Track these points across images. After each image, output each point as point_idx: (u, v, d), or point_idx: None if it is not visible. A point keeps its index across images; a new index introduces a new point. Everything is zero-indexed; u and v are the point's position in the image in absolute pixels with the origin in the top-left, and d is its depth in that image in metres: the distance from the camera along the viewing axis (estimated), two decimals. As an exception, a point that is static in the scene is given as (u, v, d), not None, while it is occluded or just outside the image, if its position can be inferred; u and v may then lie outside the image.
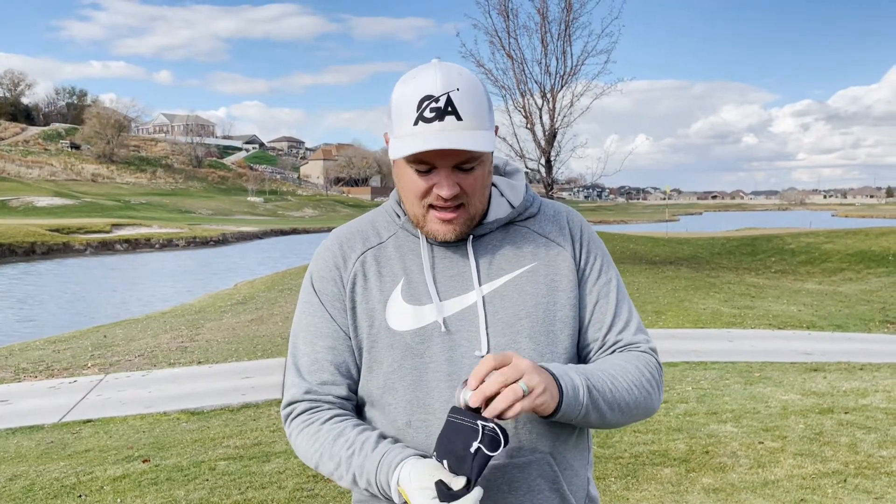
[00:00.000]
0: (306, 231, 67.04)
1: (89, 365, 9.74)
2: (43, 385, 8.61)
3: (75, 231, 43.84)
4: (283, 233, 63.04)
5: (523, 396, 1.11)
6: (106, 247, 42.86)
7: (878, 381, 7.01)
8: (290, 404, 1.35)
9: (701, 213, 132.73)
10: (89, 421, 6.91)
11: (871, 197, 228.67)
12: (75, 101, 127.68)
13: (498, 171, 1.41)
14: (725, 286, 16.08)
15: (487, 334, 1.27)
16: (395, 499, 1.17)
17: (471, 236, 1.31)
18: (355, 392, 1.35)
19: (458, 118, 1.18)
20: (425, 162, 1.21)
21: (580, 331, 1.35)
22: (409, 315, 1.28)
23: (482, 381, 1.11)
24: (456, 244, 1.31)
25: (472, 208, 1.26)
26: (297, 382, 1.34)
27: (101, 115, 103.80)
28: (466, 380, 1.14)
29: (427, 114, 1.17)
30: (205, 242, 48.91)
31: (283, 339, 11.28)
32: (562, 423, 1.25)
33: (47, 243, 39.25)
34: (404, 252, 1.32)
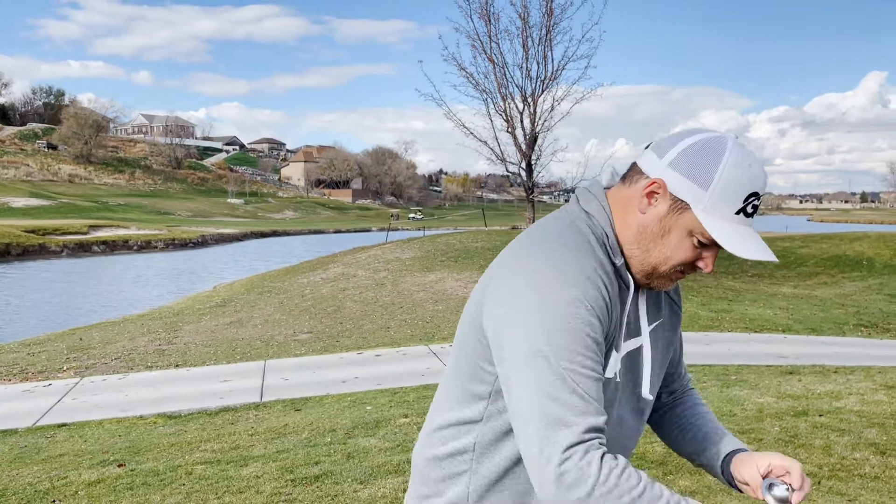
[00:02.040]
0: (287, 233, 66.71)
1: (65, 368, 9.62)
2: (17, 388, 8.49)
3: (52, 232, 43.30)
4: (263, 235, 62.69)
5: None
6: (83, 248, 42.37)
7: (851, 384, 7.11)
8: (593, 432, 1.17)
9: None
10: (64, 425, 6.82)
11: (846, 202, 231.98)
12: (52, 101, 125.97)
13: None
14: (703, 290, 16.22)
15: (651, 376, 1.40)
16: None
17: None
18: None
19: (754, 217, 1.29)
20: (711, 241, 1.27)
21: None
22: (613, 363, 1.32)
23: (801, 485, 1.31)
24: (629, 290, 1.35)
25: None
26: (597, 410, 1.18)
27: (79, 116, 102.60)
28: (772, 481, 1.30)
29: (749, 209, 1.26)
30: (184, 244, 48.52)
31: (262, 342, 11.21)
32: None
33: (23, 244, 38.72)
34: (615, 297, 1.30)
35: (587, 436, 1.14)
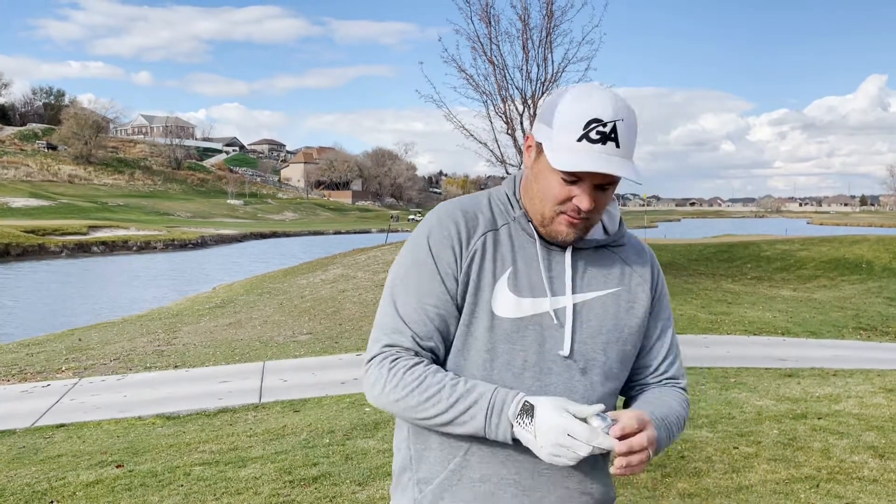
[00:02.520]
0: (286, 234, 66.72)
1: (63, 368, 9.61)
2: (15, 389, 8.49)
3: (51, 233, 43.29)
4: (262, 236, 62.67)
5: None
6: (82, 249, 42.36)
7: (850, 387, 7.11)
8: (390, 346, 1.39)
9: (679, 220, 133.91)
10: (62, 425, 6.82)
11: (845, 205, 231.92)
12: (52, 102, 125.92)
13: None
14: (702, 292, 16.23)
15: (573, 339, 1.40)
16: (512, 415, 1.28)
17: (571, 247, 1.43)
18: (444, 362, 1.43)
19: (617, 146, 1.31)
20: (575, 175, 1.33)
21: (639, 354, 1.53)
22: (511, 303, 1.38)
23: (628, 437, 1.27)
24: (556, 250, 1.43)
25: (592, 221, 1.40)
26: (401, 329, 1.39)
27: (79, 116, 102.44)
28: (603, 416, 1.27)
29: (593, 135, 1.30)
30: (183, 245, 48.51)
31: (261, 343, 11.21)
32: None
33: (22, 245, 38.71)
34: (515, 243, 1.42)
35: (386, 349, 1.39)
